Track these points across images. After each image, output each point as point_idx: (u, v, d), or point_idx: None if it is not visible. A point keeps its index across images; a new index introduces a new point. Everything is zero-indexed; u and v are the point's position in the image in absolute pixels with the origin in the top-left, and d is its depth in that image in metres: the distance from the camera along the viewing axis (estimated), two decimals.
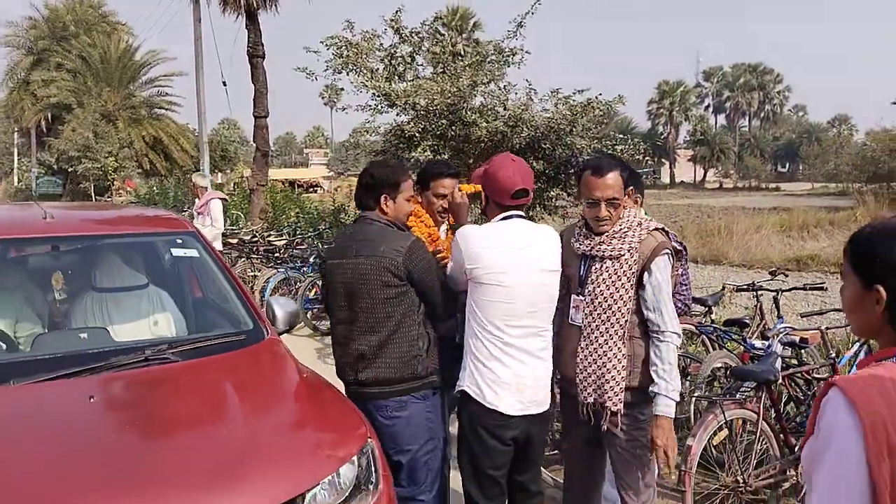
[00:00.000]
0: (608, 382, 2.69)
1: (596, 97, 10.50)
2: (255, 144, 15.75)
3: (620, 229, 2.73)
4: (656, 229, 2.78)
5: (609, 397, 2.69)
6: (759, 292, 5.66)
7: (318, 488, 2.12)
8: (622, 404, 2.69)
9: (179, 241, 3.43)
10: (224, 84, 14.97)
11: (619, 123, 74.82)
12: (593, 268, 2.75)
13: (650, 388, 2.67)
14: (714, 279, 12.80)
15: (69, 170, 30.54)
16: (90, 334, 2.88)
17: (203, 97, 15.35)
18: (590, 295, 2.73)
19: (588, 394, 2.75)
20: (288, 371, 2.74)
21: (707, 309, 5.69)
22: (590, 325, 2.73)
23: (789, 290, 5.56)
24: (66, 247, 3.26)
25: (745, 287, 5.74)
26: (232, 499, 1.95)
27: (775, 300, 5.51)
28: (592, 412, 2.76)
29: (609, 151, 9.97)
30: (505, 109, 10.33)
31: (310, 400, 2.55)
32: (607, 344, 2.69)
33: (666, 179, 74.37)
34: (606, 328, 2.69)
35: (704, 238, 18.55)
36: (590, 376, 2.74)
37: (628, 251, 2.70)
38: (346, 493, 2.24)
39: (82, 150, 27.75)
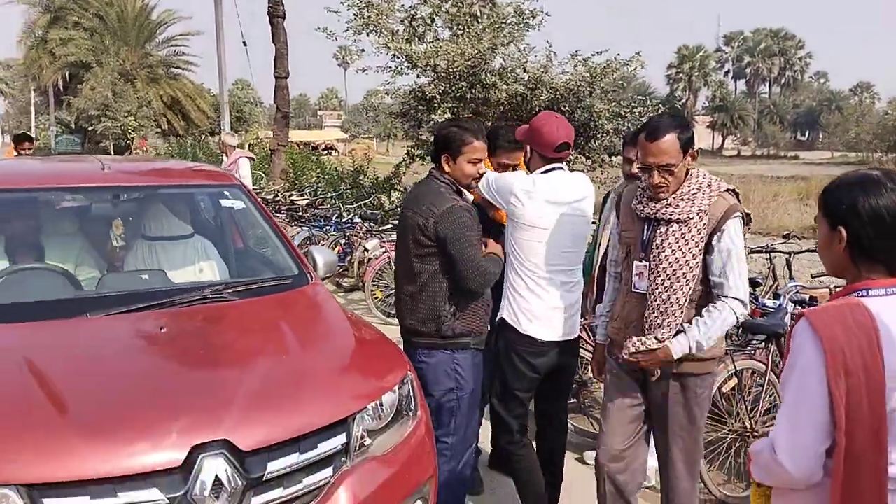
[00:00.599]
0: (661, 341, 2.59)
1: (615, 58, 10.54)
2: (275, 105, 15.86)
3: (689, 190, 2.55)
4: (727, 191, 2.60)
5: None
6: (773, 255, 5.83)
7: (363, 412, 2.36)
8: (669, 368, 2.61)
9: (227, 193, 3.66)
10: (244, 45, 15.06)
11: (637, 88, 73.67)
12: (658, 231, 2.59)
13: (682, 325, 2.57)
14: None
15: (88, 129, 30.81)
16: (150, 275, 3.14)
17: (224, 58, 15.44)
18: (654, 261, 2.59)
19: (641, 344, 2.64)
20: (334, 310, 2.98)
21: None
22: (654, 293, 2.59)
23: (801, 252, 5.73)
24: (122, 196, 3.49)
25: (758, 249, 5.91)
26: (289, 418, 2.20)
27: (787, 262, 5.68)
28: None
29: (627, 114, 10.06)
30: (525, 72, 10.40)
31: (355, 336, 2.78)
32: (667, 312, 2.57)
33: None
34: (669, 295, 2.56)
35: None
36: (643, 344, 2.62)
37: (697, 214, 2.53)
38: (389, 419, 2.48)
39: (102, 108, 28.00)
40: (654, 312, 2.60)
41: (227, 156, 9.15)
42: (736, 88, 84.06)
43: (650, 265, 2.61)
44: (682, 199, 2.55)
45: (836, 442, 1.48)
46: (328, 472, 2.21)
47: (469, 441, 3.12)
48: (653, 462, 3.90)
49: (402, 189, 12.65)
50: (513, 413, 3.12)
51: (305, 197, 11.90)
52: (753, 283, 5.11)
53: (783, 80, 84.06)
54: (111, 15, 33.30)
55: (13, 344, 2.39)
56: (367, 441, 2.36)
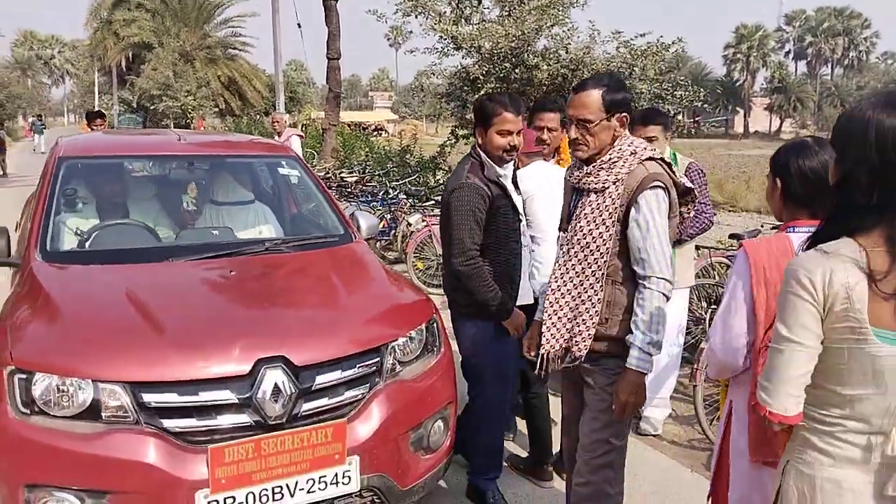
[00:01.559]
0: (577, 327, 2.47)
1: (658, 40, 10.71)
2: (328, 86, 16.45)
3: (609, 159, 2.43)
4: (650, 159, 2.43)
5: (576, 342, 2.47)
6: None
7: (397, 342, 2.84)
8: (586, 351, 2.45)
9: (284, 163, 4.18)
10: (299, 27, 15.65)
11: (692, 69, 72.41)
12: (580, 202, 2.51)
13: (626, 338, 2.41)
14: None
15: (150, 108, 32.09)
16: (221, 232, 3.69)
17: (279, 39, 16.07)
18: (571, 231, 2.52)
19: (556, 340, 2.54)
20: (373, 263, 3.47)
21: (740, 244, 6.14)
22: (565, 265, 2.52)
23: None
24: (196, 164, 4.05)
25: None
26: (334, 343, 2.68)
27: None
28: (558, 358, 2.55)
29: (667, 96, 10.26)
30: (567, 53, 10.67)
31: (391, 283, 3.27)
32: (581, 286, 2.46)
33: (739, 129, 72.04)
34: (583, 268, 2.45)
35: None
36: (560, 321, 2.52)
37: (613, 184, 2.41)
38: (418, 351, 2.95)
39: (163, 88, 29.12)
40: (563, 286, 2.51)
41: (278, 135, 9.73)
42: (796, 70, 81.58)
43: (567, 236, 2.55)
44: (602, 168, 2.44)
45: (756, 335, 1.95)
46: (364, 388, 2.70)
47: (497, 404, 3.27)
48: (661, 413, 4.31)
49: (446, 168, 13.10)
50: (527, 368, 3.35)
51: (354, 175, 12.46)
52: None
53: (847, 62, 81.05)
54: None
55: (117, 280, 2.94)
56: (398, 368, 2.84)
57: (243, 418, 2.44)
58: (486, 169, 3.08)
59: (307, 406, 2.55)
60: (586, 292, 2.45)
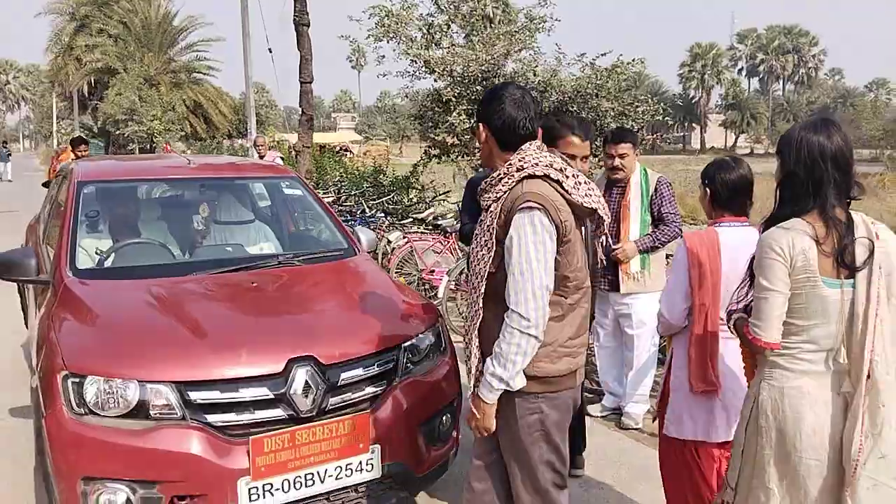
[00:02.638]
0: (469, 349, 2.37)
1: (619, 58, 11.24)
2: (300, 108, 16.71)
3: (497, 175, 2.29)
4: (532, 177, 2.23)
5: (469, 366, 2.37)
6: None
7: (410, 342, 3.13)
8: (477, 374, 2.34)
9: (286, 183, 4.47)
10: (270, 51, 15.90)
11: (649, 87, 74.19)
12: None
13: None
14: None
15: (114, 132, 31.90)
16: (233, 248, 3.97)
17: (250, 64, 16.31)
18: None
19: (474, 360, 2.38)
20: (379, 273, 3.79)
21: None
22: (469, 289, 2.40)
23: None
24: (206, 186, 4.31)
25: None
26: (356, 344, 2.97)
27: None
28: None
29: (630, 113, 10.76)
30: (535, 76, 11.14)
31: (398, 291, 3.58)
32: (471, 308, 2.37)
33: (697, 144, 73.99)
34: (473, 289, 2.34)
35: None
36: (471, 342, 2.37)
37: (494, 202, 2.27)
38: (425, 353, 3.25)
39: (128, 113, 29.01)
40: (468, 309, 2.41)
41: (260, 157, 10.01)
42: (749, 86, 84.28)
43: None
44: (490, 184, 2.32)
45: (693, 301, 2.72)
46: (382, 384, 2.99)
47: None
48: (641, 408, 4.65)
49: (419, 187, 13.45)
50: None
51: (330, 195, 12.72)
52: None
53: (797, 78, 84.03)
54: (135, 22, 34.42)
55: (147, 292, 3.19)
56: (411, 366, 3.14)
57: (278, 412, 2.71)
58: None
59: (333, 400, 2.83)
60: (474, 315, 2.35)
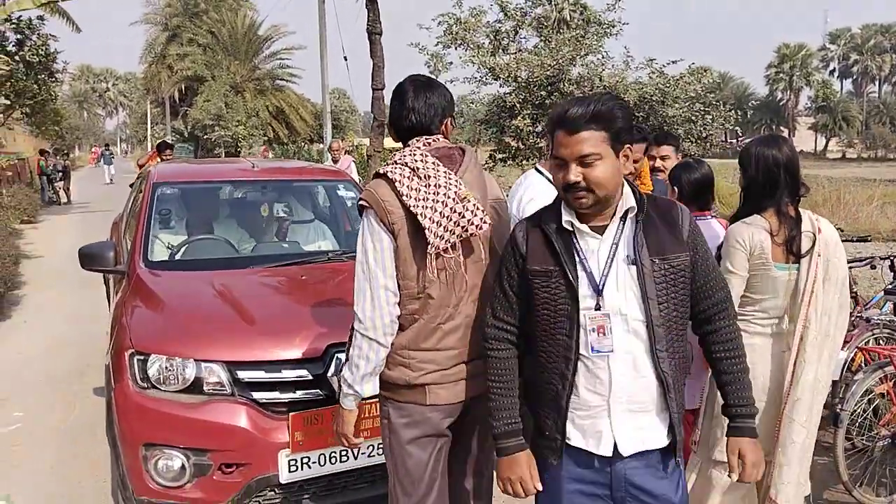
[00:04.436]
0: None
1: (689, 67, 11.15)
2: (372, 114, 17.22)
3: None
4: (379, 175, 2.19)
5: None
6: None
7: None
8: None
9: (342, 186, 4.78)
10: (345, 59, 16.47)
11: (734, 89, 72.35)
12: None
13: None
14: None
15: (202, 137, 33.52)
16: (289, 244, 4.30)
17: (326, 72, 16.94)
18: None
19: None
20: None
21: None
22: None
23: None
24: (268, 188, 4.68)
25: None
26: None
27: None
28: None
29: (697, 119, 10.68)
30: (601, 80, 11.19)
31: None
32: None
33: None
34: None
35: (812, 208, 18.20)
36: None
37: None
38: None
39: (215, 118, 30.43)
40: None
41: (334, 161, 10.45)
42: (842, 88, 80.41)
43: None
44: None
45: None
46: None
47: None
48: None
49: None
50: None
51: None
52: None
53: (895, 79, 79.60)
54: (223, 32, 36.04)
55: (209, 283, 3.53)
56: None
57: (317, 392, 2.97)
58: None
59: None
60: None
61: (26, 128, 28.11)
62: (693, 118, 10.68)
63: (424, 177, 2.13)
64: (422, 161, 2.16)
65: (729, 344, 2.02)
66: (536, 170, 2.85)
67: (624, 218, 1.91)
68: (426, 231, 2.09)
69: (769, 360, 2.74)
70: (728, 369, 2.03)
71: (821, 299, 2.65)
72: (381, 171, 2.18)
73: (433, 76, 2.86)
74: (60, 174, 23.68)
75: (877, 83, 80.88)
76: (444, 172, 2.16)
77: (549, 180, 3.07)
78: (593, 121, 1.81)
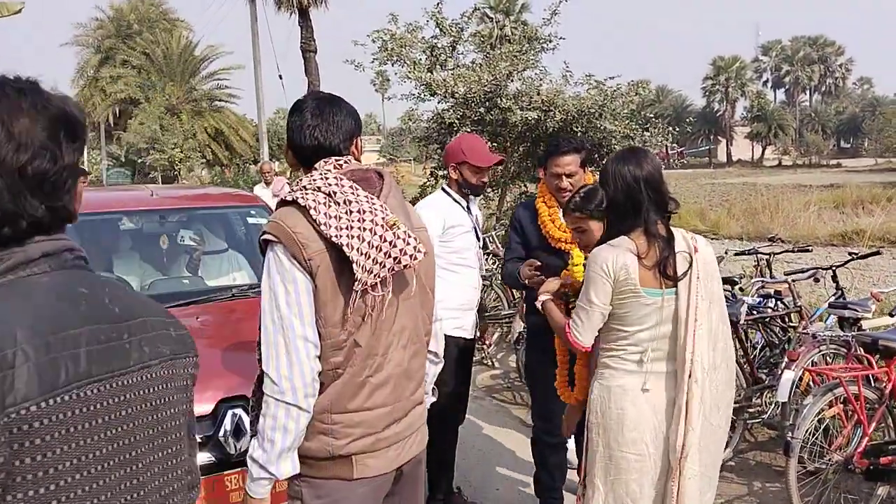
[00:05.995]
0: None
1: (628, 83, 11.10)
2: None
3: None
4: (285, 202, 1.84)
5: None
6: (759, 256, 6.29)
7: None
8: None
9: (253, 212, 4.38)
10: (280, 77, 16.06)
11: (673, 101, 74.09)
12: None
13: None
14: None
15: (138, 161, 32.50)
16: (190, 280, 3.86)
17: (261, 90, 16.49)
18: None
19: None
20: None
21: None
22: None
23: (780, 252, 6.20)
24: (168, 217, 4.24)
25: (744, 252, 6.39)
26: None
27: (768, 262, 6.14)
28: None
29: (635, 136, 10.58)
30: (539, 95, 11.02)
31: None
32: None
33: (723, 157, 73.05)
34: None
35: (752, 216, 18.67)
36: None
37: None
38: None
39: (150, 142, 29.54)
40: None
41: (267, 184, 9.97)
42: (776, 98, 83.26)
43: None
44: None
45: None
46: None
47: None
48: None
49: None
50: None
51: None
52: (731, 282, 5.53)
53: (824, 88, 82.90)
54: (157, 53, 35.17)
55: None
56: None
57: (206, 456, 2.58)
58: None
59: None
60: (258, 375, 1.90)
61: None
62: (631, 135, 10.59)
63: (344, 202, 1.78)
64: (336, 185, 1.80)
65: None
66: (443, 189, 3.07)
67: None
68: (354, 265, 1.73)
69: (645, 405, 2.36)
70: None
71: (706, 326, 2.33)
72: (289, 199, 1.82)
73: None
74: None
75: (808, 92, 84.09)
76: (366, 197, 1.82)
77: (452, 199, 3.35)
78: None
